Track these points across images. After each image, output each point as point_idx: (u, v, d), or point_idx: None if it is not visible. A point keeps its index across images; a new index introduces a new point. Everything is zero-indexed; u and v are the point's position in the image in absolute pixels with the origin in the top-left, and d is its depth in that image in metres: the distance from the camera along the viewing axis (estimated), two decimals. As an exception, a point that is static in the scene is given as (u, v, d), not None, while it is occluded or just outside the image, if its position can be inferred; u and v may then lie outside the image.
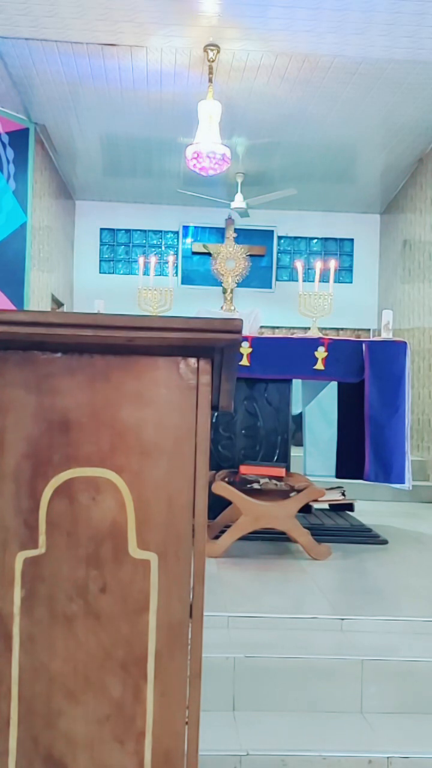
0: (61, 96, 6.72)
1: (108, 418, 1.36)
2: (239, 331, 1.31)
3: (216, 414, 4.10)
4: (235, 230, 7.49)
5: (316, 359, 4.02)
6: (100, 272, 10.21)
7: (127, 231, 10.26)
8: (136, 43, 5.67)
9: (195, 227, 10.25)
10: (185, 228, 10.25)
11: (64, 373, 1.36)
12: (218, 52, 5.74)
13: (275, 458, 4.27)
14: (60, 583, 1.35)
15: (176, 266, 10.06)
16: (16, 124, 6.81)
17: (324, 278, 4.46)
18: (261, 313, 5.55)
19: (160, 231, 10.26)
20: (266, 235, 10.17)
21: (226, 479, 3.74)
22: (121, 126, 7.47)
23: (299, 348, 4.09)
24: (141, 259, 5.60)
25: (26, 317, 1.30)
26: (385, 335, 4.26)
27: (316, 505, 4.59)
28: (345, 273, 10.18)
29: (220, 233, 9.78)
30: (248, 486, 3.69)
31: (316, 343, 4.06)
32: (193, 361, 1.37)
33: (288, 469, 4.18)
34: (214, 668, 2.31)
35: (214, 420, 4.24)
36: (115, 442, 1.36)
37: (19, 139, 6.81)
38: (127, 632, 1.35)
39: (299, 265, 4.70)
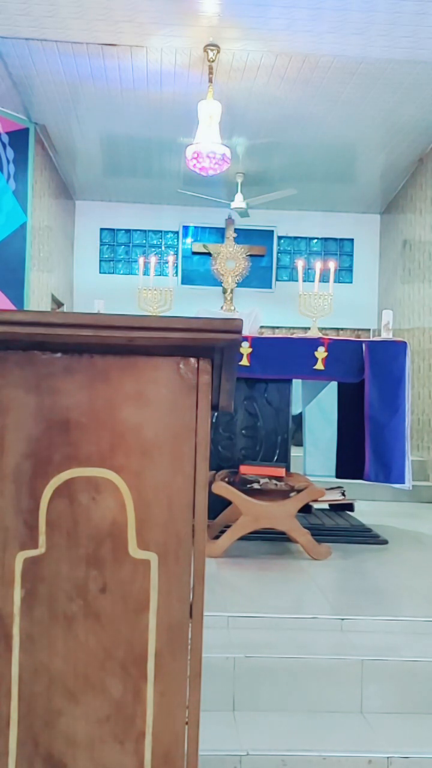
0: (61, 96, 6.72)
1: (108, 418, 1.36)
2: (239, 331, 1.31)
3: (216, 414, 4.10)
4: (235, 230, 7.52)
5: (316, 359, 4.02)
6: (100, 272, 10.21)
7: (127, 231, 10.26)
8: (136, 43, 5.68)
9: (195, 227, 10.25)
10: (185, 228, 10.25)
11: (64, 373, 1.36)
12: (218, 52, 5.74)
13: (275, 458, 4.27)
14: (60, 583, 1.35)
15: (176, 266, 10.06)
16: (16, 124, 6.81)
17: (324, 278, 4.46)
18: (261, 313, 5.56)
19: (160, 231, 10.25)
20: (266, 235, 10.17)
21: (226, 479, 3.74)
22: (121, 126, 7.47)
23: (299, 348, 4.09)
24: (141, 259, 5.60)
25: (26, 317, 1.29)
26: (385, 335, 4.25)
27: (316, 505, 4.59)
28: (345, 273, 10.19)
29: (220, 233, 9.78)
30: (248, 486, 3.69)
31: (316, 343, 4.06)
32: (193, 361, 1.37)
33: (288, 469, 4.17)
34: (214, 668, 2.31)
35: (214, 420, 4.24)
36: (115, 442, 1.36)
37: (19, 139, 6.81)
38: (127, 632, 1.35)
39: (301, 264, 4.69)
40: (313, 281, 4.49)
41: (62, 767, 1.35)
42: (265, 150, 8.03)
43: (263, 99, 6.68)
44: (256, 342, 4.11)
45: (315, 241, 10.32)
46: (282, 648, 2.53)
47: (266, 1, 5.03)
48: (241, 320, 1.35)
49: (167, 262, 8.42)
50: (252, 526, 3.63)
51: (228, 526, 3.75)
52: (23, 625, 1.34)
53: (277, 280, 10.24)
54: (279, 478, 3.78)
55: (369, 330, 9.93)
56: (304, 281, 4.71)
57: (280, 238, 10.26)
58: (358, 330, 9.85)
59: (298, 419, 5.55)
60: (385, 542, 4.14)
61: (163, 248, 10.20)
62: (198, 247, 10.16)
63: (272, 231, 10.18)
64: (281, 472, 3.85)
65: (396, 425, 3.97)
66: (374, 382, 3.98)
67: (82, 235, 10.16)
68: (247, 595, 3.05)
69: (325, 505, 4.72)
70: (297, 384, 4.66)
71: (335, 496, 4.53)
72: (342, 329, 9.58)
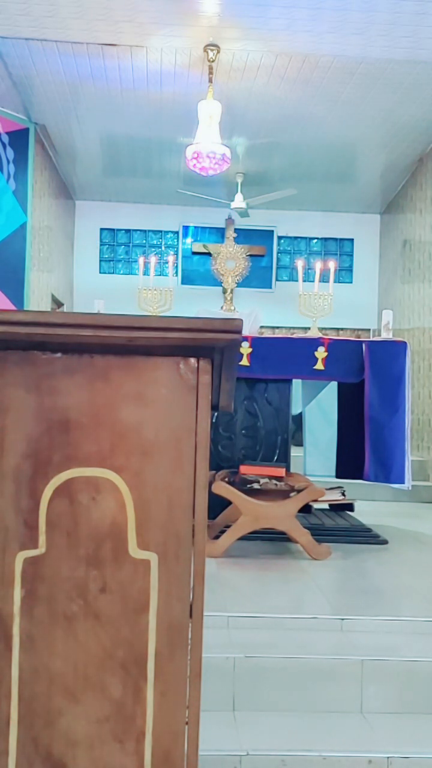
0: (61, 96, 6.72)
1: (108, 418, 1.36)
2: (239, 331, 1.31)
3: (216, 414, 4.10)
4: (235, 230, 7.53)
5: (316, 359, 4.02)
6: (100, 272, 10.21)
7: (127, 231, 10.26)
8: (136, 43, 5.67)
9: (195, 227, 10.25)
10: (185, 228, 10.25)
11: (64, 373, 1.36)
12: (218, 52, 5.74)
13: (275, 458, 4.27)
14: (60, 583, 1.35)
15: (176, 266, 10.06)
16: (16, 124, 6.81)
17: (324, 278, 4.46)
18: (261, 313, 5.55)
19: (160, 231, 10.25)
20: (266, 235, 10.17)
21: (226, 479, 3.74)
22: (121, 126, 7.47)
23: (299, 348, 4.09)
24: (141, 259, 5.60)
25: (26, 317, 1.30)
26: (385, 335, 4.25)
27: (316, 505, 4.59)
28: (345, 273, 10.18)
29: (220, 233, 9.78)
30: (248, 486, 3.69)
31: (316, 343, 4.06)
32: (193, 361, 1.37)
33: (288, 469, 4.17)
34: (214, 668, 2.31)
35: (214, 420, 4.24)
36: (115, 442, 1.36)
37: (19, 139, 6.82)
38: (127, 632, 1.35)
39: (301, 264, 4.69)
40: (313, 281, 4.49)
41: (62, 767, 1.35)
42: (265, 150, 8.03)
43: (263, 99, 6.68)
44: (256, 342, 4.11)
45: (315, 241, 10.32)
46: (282, 648, 2.53)
47: (266, 1, 5.03)
48: (241, 320, 1.35)
49: (167, 262, 8.41)
50: (252, 526, 3.63)
51: (228, 526, 3.75)
52: (23, 625, 1.34)
53: (277, 280, 10.24)
54: (279, 478, 3.78)
55: (369, 330, 9.93)
56: (304, 281, 4.71)
57: (280, 238, 10.26)
58: (358, 330, 9.84)
59: (298, 419, 5.55)
60: (385, 542, 4.14)
61: (163, 248, 10.20)
62: (198, 247, 10.16)
63: (272, 231, 10.18)
64: (281, 472, 3.85)
65: (396, 425, 3.97)
66: (374, 382, 3.98)
67: (82, 235, 10.16)
68: (247, 595, 3.05)
69: (325, 505, 4.72)
70: (297, 384, 4.66)
71: (335, 496, 4.53)
72: (342, 329, 9.58)
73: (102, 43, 5.69)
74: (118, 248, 10.28)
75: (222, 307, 6.02)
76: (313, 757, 2.11)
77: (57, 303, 9.14)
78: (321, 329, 4.46)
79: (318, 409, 5.56)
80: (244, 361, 4.03)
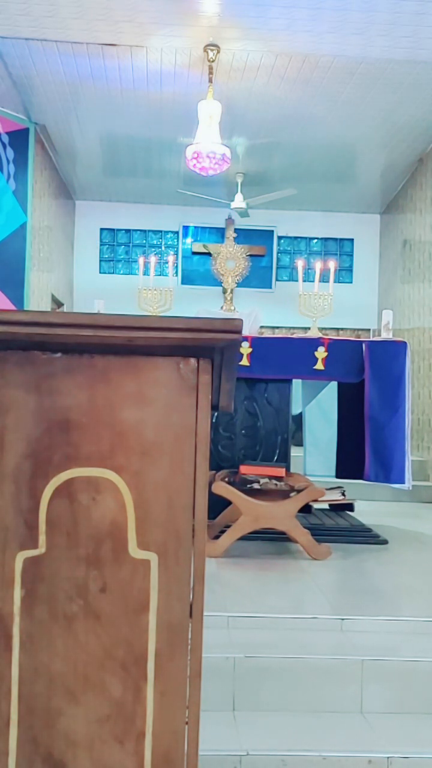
0: (61, 96, 6.72)
1: (108, 418, 1.36)
2: (239, 331, 1.31)
3: (216, 414, 4.10)
4: (235, 230, 7.51)
5: (316, 359, 4.02)
6: (100, 272, 10.21)
7: (127, 231, 10.26)
8: (136, 43, 5.68)
9: (195, 227, 10.25)
10: (185, 228, 10.25)
11: (64, 373, 1.36)
12: (218, 52, 5.74)
13: (275, 458, 4.27)
14: (60, 583, 1.35)
15: (176, 266, 10.06)
16: (16, 124, 6.81)
17: (324, 278, 4.46)
18: (261, 313, 5.55)
19: (160, 231, 10.26)
20: (266, 235, 10.17)
21: (226, 479, 3.74)
22: (121, 126, 7.47)
23: (299, 348, 4.09)
24: (141, 259, 5.60)
25: (26, 317, 1.29)
26: (385, 335, 4.25)
27: (316, 505, 4.59)
28: (345, 273, 10.18)
29: (220, 233, 9.78)
30: (248, 486, 3.69)
31: (316, 343, 4.06)
32: (193, 361, 1.37)
33: (288, 469, 4.17)
34: (214, 668, 2.31)
35: (214, 420, 4.24)
36: (115, 442, 1.36)
37: (19, 139, 6.82)
38: (127, 632, 1.35)
39: (301, 264, 4.69)
40: (313, 281, 4.49)
41: (62, 767, 1.35)
42: (265, 150, 8.03)
43: (263, 99, 6.68)
44: (256, 342, 4.11)
45: (315, 241, 10.32)
46: (282, 648, 2.53)
47: (266, 1, 5.03)
48: (241, 320, 1.35)
49: (167, 262, 8.41)
50: (252, 526, 3.63)
51: (228, 526, 3.75)
52: (23, 625, 1.34)
53: (277, 280, 10.24)
54: (279, 478, 3.78)
55: (369, 330, 9.93)
56: (304, 281, 4.71)
57: (280, 238, 10.26)
58: (358, 330, 9.85)
59: (298, 419, 5.55)
60: (385, 542, 4.14)
61: (163, 248, 10.20)
62: (198, 247, 10.16)
63: (272, 231, 10.18)
64: (281, 472, 3.85)
65: (396, 425, 3.97)
66: (374, 382, 3.98)
67: (82, 235, 10.16)
68: (247, 595, 3.05)
69: (325, 505, 4.72)
70: (297, 384, 4.66)
71: (335, 496, 4.53)
72: (342, 329, 9.58)
73: (102, 43, 5.69)
74: (118, 248, 10.28)
75: (222, 307, 6.01)
76: (313, 757, 2.11)
77: (57, 303, 9.14)
78: (321, 329, 4.46)
79: (318, 409, 5.57)
80: (244, 361, 4.03)
